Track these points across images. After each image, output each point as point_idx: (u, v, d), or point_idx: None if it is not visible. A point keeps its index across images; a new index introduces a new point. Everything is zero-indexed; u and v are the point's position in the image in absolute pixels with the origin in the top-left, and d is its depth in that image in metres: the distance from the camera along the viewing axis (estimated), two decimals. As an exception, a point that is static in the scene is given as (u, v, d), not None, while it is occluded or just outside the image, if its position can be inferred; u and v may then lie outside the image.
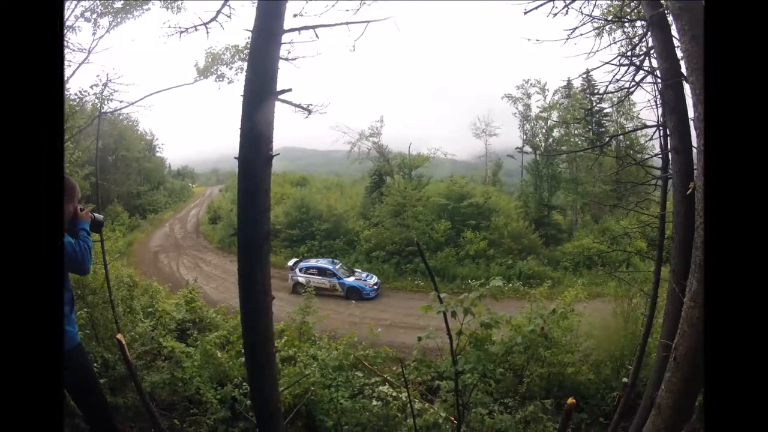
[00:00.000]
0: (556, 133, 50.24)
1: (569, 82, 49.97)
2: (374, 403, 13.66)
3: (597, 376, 18.51)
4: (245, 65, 8.50)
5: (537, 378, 18.25)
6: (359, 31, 10.39)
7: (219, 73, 20.92)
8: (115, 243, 20.32)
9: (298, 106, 8.60)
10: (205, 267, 44.59)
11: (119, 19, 19.37)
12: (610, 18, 13.87)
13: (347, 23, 8.59)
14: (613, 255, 33.96)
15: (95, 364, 13.82)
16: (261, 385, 8.64)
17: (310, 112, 9.11)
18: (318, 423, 14.02)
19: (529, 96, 51.38)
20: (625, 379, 14.45)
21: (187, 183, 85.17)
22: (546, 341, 15.06)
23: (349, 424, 13.48)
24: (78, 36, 19.83)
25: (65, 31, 17.17)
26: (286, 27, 7.90)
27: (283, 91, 7.86)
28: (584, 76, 39.46)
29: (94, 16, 18.88)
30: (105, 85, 16.80)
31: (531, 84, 51.32)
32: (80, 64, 17.87)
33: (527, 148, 51.37)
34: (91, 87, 17.78)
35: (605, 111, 45.30)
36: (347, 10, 9.71)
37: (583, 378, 18.37)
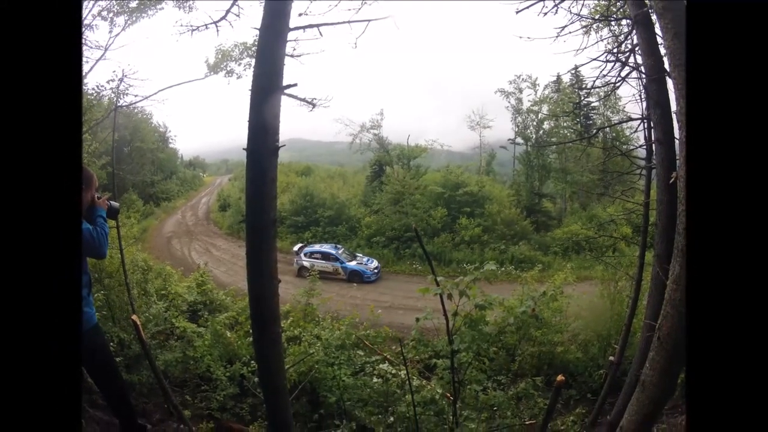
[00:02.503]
0: (546, 125, 50.29)
1: (558, 77, 49.94)
2: (375, 380, 13.68)
3: (585, 355, 18.55)
4: (253, 61, 8.49)
5: (528, 357, 18.29)
6: (360, 29, 10.36)
7: (228, 68, 20.92)
8: (130, 229, 20.32)
9: (303, 100, 8.59)
10: (215, 252, 44.61)
11: (134, 18, 19.35)
12: (597, 17, 13.86)
13: (349, 22, 8.57)
14: (600, 240, 33.94)
15: (112, 344, 13.84)
16: (268, 363, 8.65)
17: (314, 105, 9.10)
18: (321, 399, 14.07)
19: (520, 90, 51.37)
20: (611, 358, 14.48)
21: (198, 173, 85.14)
22: (537, 322, 15.09)
23: (351, 399, 13.52)
24: (95, 34, 19.82)
25: (83, 29, 17.14)
26: (291, 25, 7.89)
27: (288, 86, 7.85)
28: (573, 71, 39.39)
29: (111, 15, 18.87)
30: (121, 80, 16.79)
31: (522, 79, 51.32)
32: (97, 61, 17.88)
33: (519, 140, 51.39)
34: (108, 82, 17.82)
35: (593, 105, 45.14)
36: (349, 9, 9.69)
37: (572, 357, 18.41)
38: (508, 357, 18.26)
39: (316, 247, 40.32)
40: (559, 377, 8.04)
